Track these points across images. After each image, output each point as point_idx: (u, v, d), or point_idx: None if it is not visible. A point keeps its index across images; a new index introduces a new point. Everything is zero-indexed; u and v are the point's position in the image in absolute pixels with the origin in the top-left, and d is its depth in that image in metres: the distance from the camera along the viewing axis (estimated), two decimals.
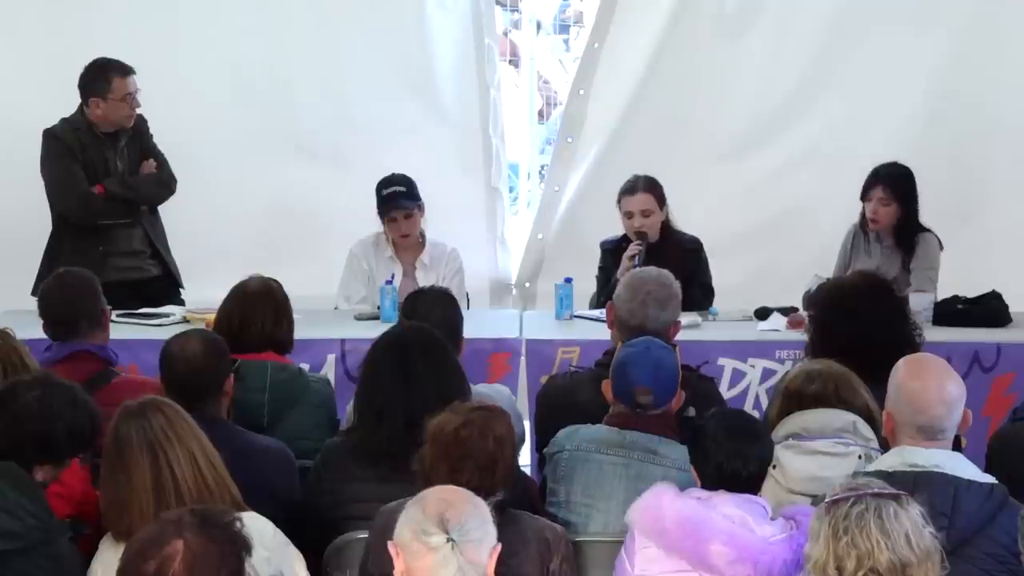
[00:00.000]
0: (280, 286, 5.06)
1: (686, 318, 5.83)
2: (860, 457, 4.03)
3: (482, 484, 3.62)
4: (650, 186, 6.57)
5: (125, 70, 6.51)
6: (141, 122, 6.69)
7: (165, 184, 6.73)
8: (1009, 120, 7.73)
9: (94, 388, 4.73)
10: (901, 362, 3.99)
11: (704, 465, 3.75)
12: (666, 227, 6.59)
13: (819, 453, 4.04)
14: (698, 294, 6.49)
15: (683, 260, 6.45)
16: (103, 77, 6.49)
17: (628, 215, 6.56)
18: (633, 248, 6.46)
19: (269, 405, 4.76)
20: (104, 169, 6.57)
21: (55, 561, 3.64)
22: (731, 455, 3.69)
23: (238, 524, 3.07)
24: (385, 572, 3.25)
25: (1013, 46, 7.70)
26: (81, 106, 6.56)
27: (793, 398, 4.23)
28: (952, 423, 3.87)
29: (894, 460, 3.81)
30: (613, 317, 5.00)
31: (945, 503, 3.63)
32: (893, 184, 6.45)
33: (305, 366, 5.29)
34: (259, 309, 4.94)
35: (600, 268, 6.76)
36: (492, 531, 3.16)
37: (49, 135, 6.56)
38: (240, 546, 3.03)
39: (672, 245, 6.54)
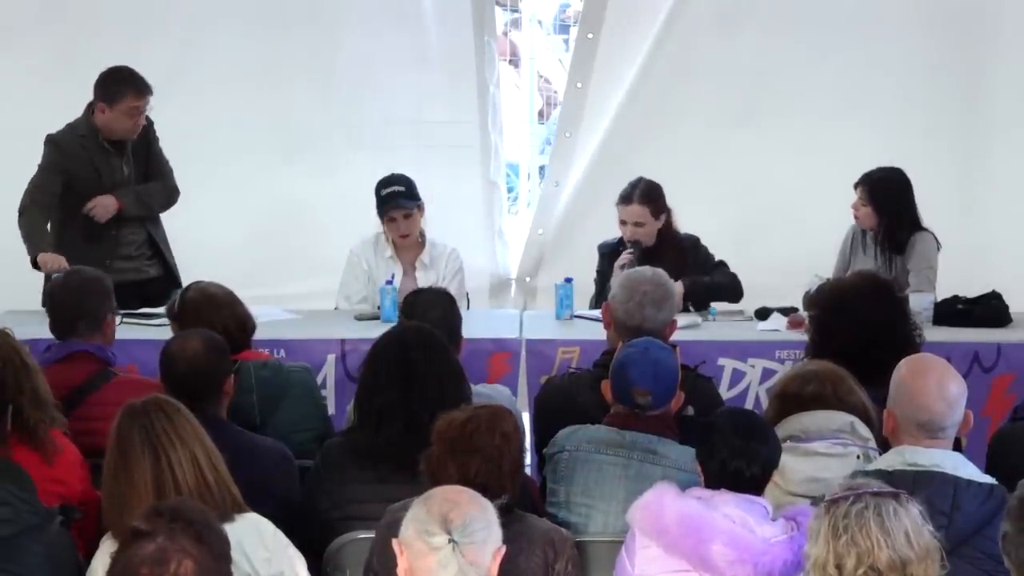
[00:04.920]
0: (214, 286, 5.06)
1: (685, 318, 5.85)
2: (858, 457, 4.04)
3: (489, 480, 3.64)
4: (646, 197, 6.52)
5: (141, 89, 6.45)
6: (148, 125, 6.68)
7: (169, 196, 6.76)
8: (1008, 118, 7.74)
9: (92, 388, 4.74)
10: (903, 361, 4.00)
11: (708, 461, 3.75)
12: (665, 230, 6.58)
13: (817, 455, 4.05)
14: (720, 277, 6.50)
15: (681, 260, 6.46)
16: (118, 88, 6.44)
17: (622, 223, 6.56)
18: (624, 257, 6.44)
19: (259, 404, 4.77)
20: (110, 175, 6.56)
21: (48, 546, 3.65)
22: (735, 453, 3.69)
23: (217, 522, 3.14)
24: (389, 570, 3.25)
25: (1011, 44, 7.71)
26: (88, 108, 6.54)
27: (792, 400, 4.22)
28: (953, 422, 3.88)
29: (894, 459, 3.81)
30: (610, 318, 5.01)
31: (945, 502, 3.64)
32: (871, 188, 6.48)
33: (306, 363, 5.29)
34: (216, 316, 4.92)
35: (598, 271, 6.76)
36: (497, 533, 3.17)
37: (48, 141, 6.55)
38: (227, 544, 3.10)
39: (669, 247, 6.53)
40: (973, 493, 3.70)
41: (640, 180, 6.59)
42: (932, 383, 3.88)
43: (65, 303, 5.00)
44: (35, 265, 6.40)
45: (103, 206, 6.51)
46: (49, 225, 6.59)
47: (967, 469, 3.79)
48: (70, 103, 6.64)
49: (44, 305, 6.37)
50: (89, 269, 5.27)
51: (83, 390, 4.74)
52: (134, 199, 6.59)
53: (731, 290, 6.52)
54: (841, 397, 4.21)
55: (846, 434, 4.08)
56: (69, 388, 4.67)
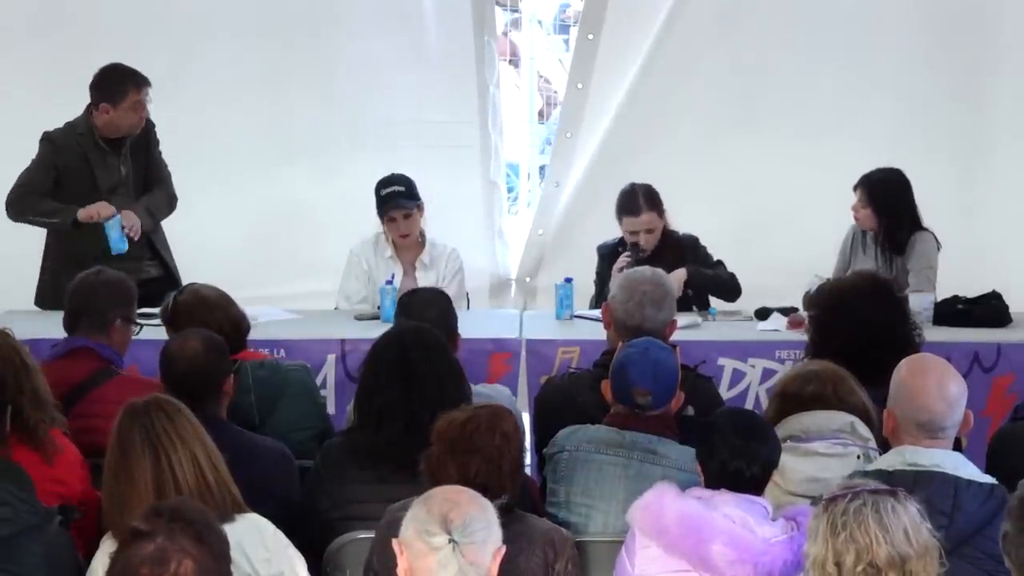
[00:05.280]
0: (207, 288, 5.06)
1: (685, 318, 5.84)
2: (858, 457, 4.03)
3: (489, 480, 3.64)
4: (651, 202, 6.52)
5: (140, 82, 6.49)
6: (148, 126, 6.69)
7: (170, 204, 6.79)
8: (1009, 118, 7.74)
9: (93, 385, 4.75)
10: (903, 361, 4.00)
11: (708, 461, 3.75)
12: (663, 231, 6.58)
13: (817, 455, 4.04)
14: (721, 273, 6.50)
15: (680, 261, 6.46)
16: (119, 85, 6.46)
17: (631, 233, 6.54)
18: (622, 261, 6.43)
19: (257, 404, 4.76)
20: (107, 175, 6.56)
21: (47, 546, 3.65)
22: (736, 453, 3.69)
23: (217, 522, 3.16)
24: (389, 570, 3.25)
25: (1012, 44, 7.71)
26: (88, 109, 6.55)
27: (792, 400, 4.22)
28: (953, 422, 3.87)
29: (894, 459, 3.81)
30: (610, 318, 5.01)
31: (945, 503, 3.64)
32: (871, 190, 6.49)
33: (304, 362, 5.30)
34: (209, 318, 4.92)
35: (597, 273, 6.76)
36: (497, 533, 3.17)
37: (43, 139, 6.56)
38: (227, 544, 3.12)
39: (669, 248, 6.54)
40: (973, 493, 3.70)
41: (634, 187, 6.57)
42: (932, 383, 3.88)
43: (74, 298, 5.02)
44: (76, 225, 6.41)
45: (137, 229, 6.52)
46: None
47: (967, 469, 3.79)
48: (70, 107, 6.63)
49: (37, 303, 6.44)
50: (114, 272, 5.25)
51: (83, 387, 4.74)
52: (146, 214, 6.61)
53: (730, 288, 6.53)
54: (842, 397, 4.21)
55: (846, 434, 4.08)
56: (70, 385, 4.68)
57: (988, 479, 3.77)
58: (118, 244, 6.35)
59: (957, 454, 3.87)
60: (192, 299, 4.98)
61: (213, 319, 4.85)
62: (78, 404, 4.65)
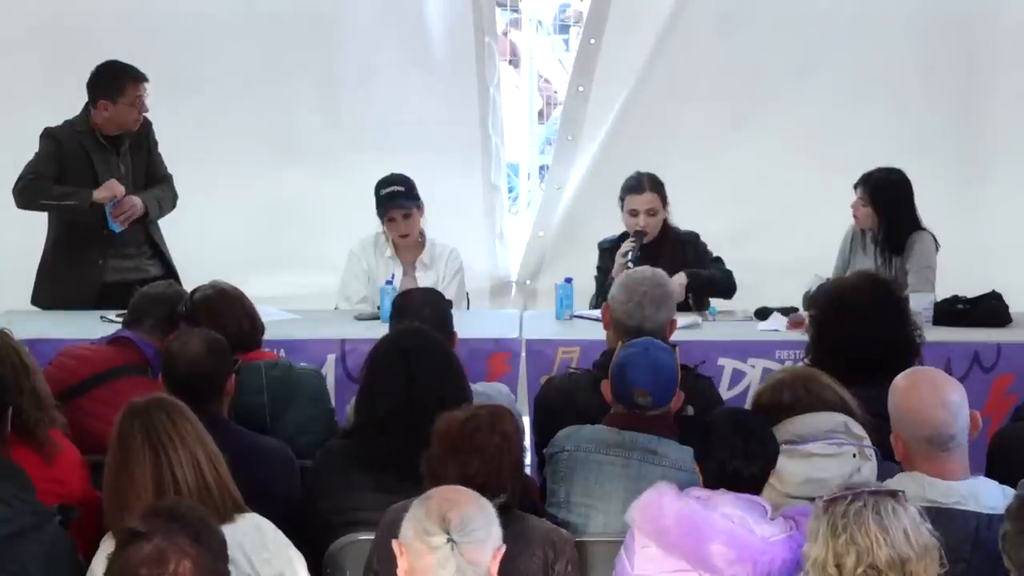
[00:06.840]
0: (226, 285, 5.09)
1: (685, 318, 5.84)
2: (854, 456, 4.00)
3: (489, 480, 3.63)
4: (655, 185, 6.59)
5: (138, 76, 6.52)
6: (146, 125, 6.69)
7: (174, 202, 6.81)
8: (1008, 118, 7.74)
9: (120, 375, 4.83)
10: (896, 380, 3.93)
11: (707, 461, 3.75)
12: (665, 225, 6.61)
13: (813, 455, 4.01)
14: (716, 272, 6.50)
15: (680, 255, 6.47)
16: (117, 81, 6.49)
17: (632, 213, 6.56)
18: (626, 245, 6.45)
19: (269, 406, 4.76)
20: (106, 173, 6.56)
21: (47, 546, 3.64)
22: (734, 453, 3.69)
23: (215, 523, 3.17)
24: (389, 570, 3.25)
25: (1011, 44, 7.71)
26: (87, 107, 6.55)
27: (774, 410, 4.16)
28: (960, 428, 3.80)
29: (912, 489, 3.63)
30: (609, 318, 5.01)
31: (964, 546, 3.59)
32: (871, 189, 6.50)
33: (317, 368, 5.31)
34: (231, 313, 4.94)
35: (598, 268, 6.77)
36: (496, 532, 3.17)
37: (44, 134, 6.57)
38: (225, 544, 3.13)
39: (670, 243, 6.56)
40: (995, 529, 3.53)
41: (640, 172, 6.63)
42: (928, 394, 3.81)
43: (145, 300, 5.14)
44: (92, 206, 6.43)
45: (128, 218, 6.51)
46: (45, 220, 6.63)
47: (992, 501, 3.68)
48: (70, 106, 6.64)
49: (33, 302, 6.45)
50: (177, 287, 5.41)
51: (111, 373, 4.82)
52: (156, 204, 6.64)
53: (725, 286, 6.54)
54: (818, 395, 4.14)
55: (840, 434, 4.04)
56: (98, 367, 4.81)
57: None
58: (114, 225, 6.45)
59: (980, 480, 3.78)
60: (215, 295, 5.00)
61: (234, 315, 4.89)
62: (99, 387, 4.75)
